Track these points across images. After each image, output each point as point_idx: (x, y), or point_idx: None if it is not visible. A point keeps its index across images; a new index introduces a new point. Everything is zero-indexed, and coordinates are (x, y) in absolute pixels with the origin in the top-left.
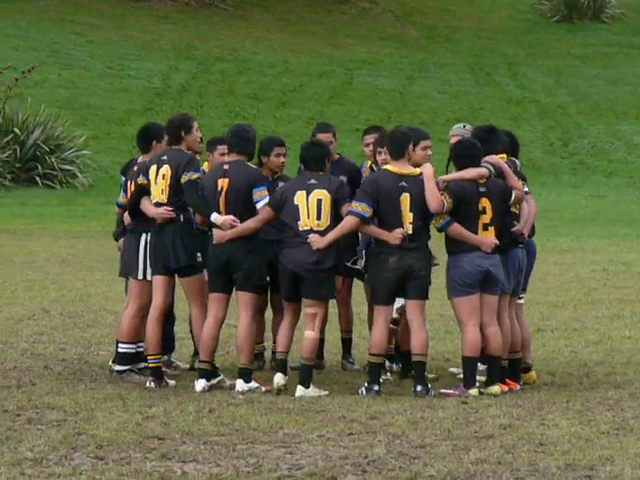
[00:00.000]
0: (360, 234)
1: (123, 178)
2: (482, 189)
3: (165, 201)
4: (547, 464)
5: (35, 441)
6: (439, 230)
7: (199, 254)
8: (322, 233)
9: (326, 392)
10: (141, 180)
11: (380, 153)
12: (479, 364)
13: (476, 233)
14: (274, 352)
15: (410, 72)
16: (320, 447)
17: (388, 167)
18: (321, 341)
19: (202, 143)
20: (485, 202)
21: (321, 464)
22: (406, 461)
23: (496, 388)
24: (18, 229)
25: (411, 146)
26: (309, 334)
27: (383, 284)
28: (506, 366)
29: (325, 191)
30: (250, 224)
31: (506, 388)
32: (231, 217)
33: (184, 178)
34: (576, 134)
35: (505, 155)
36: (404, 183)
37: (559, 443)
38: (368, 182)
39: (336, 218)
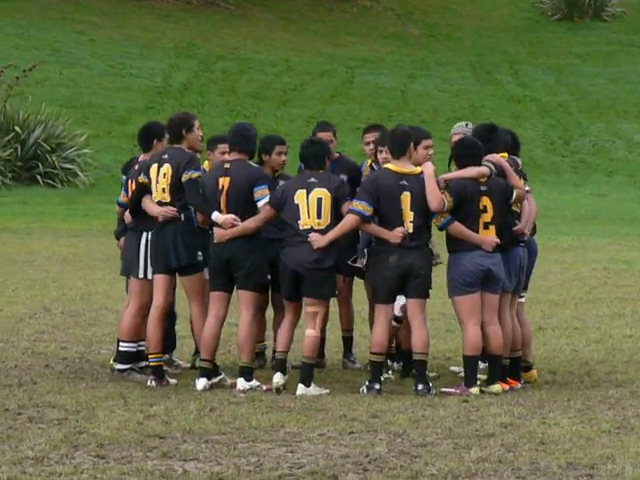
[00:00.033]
0: (360, 232)
1: (124, 177)
2: (483, 188)
3: (169, 200)
4: (548, 463)
5: (36, 440)
6: (440, 229)
7: (200, 253)
8: (322, 232)
9: (327, 391)
10: (142, 179)
11: (381, 152)
12: (480, 362)
13: (477, 232)
14: (275, 351)
15: (411, 70)
16: (321, 446)
17: (389, 166)
18: (322, 340)
19: (202, 142)
20: (486, 201)
21: (322, 463)
22: (407, 460)
23: (497, 387)
24: (19, 228)
25: (412, 145)
26: (310, 333)
27: (383, 283)
28: (507, 365)
29: (325, 190)
30: (251, 223)
31: (507, 387)
32: (232, 216)
33: (185, 177)
34: (577, 133)
35: (506, 154)
36: (405, 182)
37: (560, 442)
38: (369, 181)
39: (336, 217)
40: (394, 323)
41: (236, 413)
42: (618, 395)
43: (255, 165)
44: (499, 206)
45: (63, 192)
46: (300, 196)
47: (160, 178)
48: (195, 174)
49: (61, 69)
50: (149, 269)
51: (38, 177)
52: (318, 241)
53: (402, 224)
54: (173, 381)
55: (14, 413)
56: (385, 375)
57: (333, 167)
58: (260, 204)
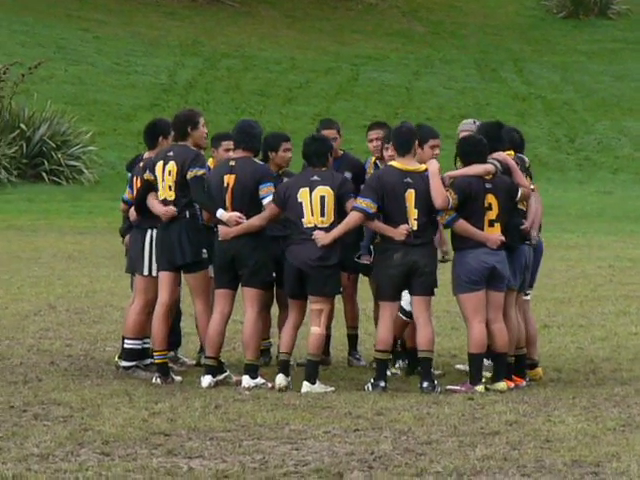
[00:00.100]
0: (365, 229)
1: (129, 174)
2: (488, 185)
3: (173, 198)
4: (553, 460)
5: (41, 437)
6: (445, 226)
7: (205, 250)
8: (326, 230)
9: (332, 388)
10: (147, 176)
11: (387, 149)
12: (485, 360)
13: (482, 229)
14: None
15: (416, 68)
16: (326, 443)
17: (393, 163)
18: (327, 337)
19: (207, 139)
20: (491, 198)
21: (327, 460)
22: (412, 457)
23: (502, 384)
24: (24, 225)
25: (417, 142)
26: (315, 330)
27: (388, 280)
28: (512, 362)
29: (328, 188)
30: (255, 221)
31: (512, 384)
32: (237, 214)
33: (190, 174)
34: (582, 130)
35: (512, 152)
36: (409, 179)
37: (565, 439)
38: (373, 178)
39: (340, 214)
40: (405, 318)
41: (241, 410)
42: (623, 393)
43: (260, 162)
44: (504, 204)
45: (68, 189)
46: (303, 194)
47: (165, 176)
48: (200, 171)
49: (66, 66)
50: (154, 266)
51: (43, 174)
52: (322, 239)
53: (406, 221)
54: (178, 378)
55: (19, 410)
56: (393, 369)
57: (337, 165)
58: (265, 202)
